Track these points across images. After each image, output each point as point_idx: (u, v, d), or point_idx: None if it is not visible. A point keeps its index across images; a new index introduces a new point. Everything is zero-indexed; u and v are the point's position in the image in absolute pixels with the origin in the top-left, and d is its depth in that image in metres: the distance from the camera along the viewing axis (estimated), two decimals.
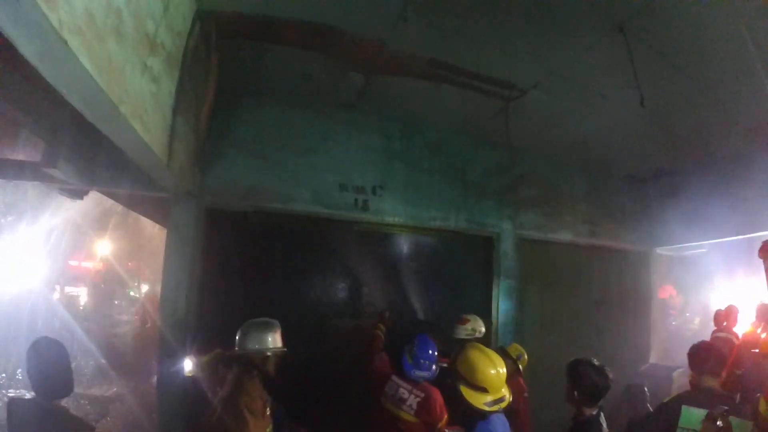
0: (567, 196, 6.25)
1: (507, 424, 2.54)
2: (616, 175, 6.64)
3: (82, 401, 7.28)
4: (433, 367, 3.44)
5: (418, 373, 3.39)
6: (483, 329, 4.25)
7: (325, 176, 4.78)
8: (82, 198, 5.51)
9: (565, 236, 6.15)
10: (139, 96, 2.50)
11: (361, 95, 4.63)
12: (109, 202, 7.14)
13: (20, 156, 5.67)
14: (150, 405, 7.25)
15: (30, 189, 9.03)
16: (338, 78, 4.29)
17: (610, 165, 6.30)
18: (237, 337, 2.76)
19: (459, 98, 4.55)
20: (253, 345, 2.71)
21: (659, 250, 6.90)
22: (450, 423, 3.31)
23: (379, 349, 3.79)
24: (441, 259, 5.43)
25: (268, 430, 2.58)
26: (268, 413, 2.59)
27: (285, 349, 2.77)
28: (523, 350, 4.16)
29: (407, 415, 3.34)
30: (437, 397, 3.33)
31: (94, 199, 6.42)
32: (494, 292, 5.54)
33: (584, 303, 6.23)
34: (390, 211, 5.03)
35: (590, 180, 6.45)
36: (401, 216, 5.08)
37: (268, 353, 2.70)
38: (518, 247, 5.73)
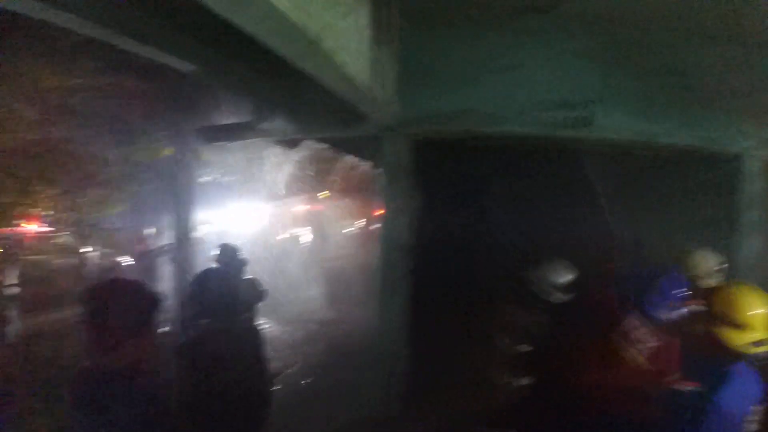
0: None
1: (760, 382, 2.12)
2: None
3: (308, 324, 8.51)
4: (681, 308, 3.01)
5: (664, 313, 2.99)
6: (715, 266, 3.55)
7: (537, 92, 4.27)
8: (295, 147, 6.13)
9: None
10: (337, 31, 2.49)
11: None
12: (321, 147, 7.85)
13: (232, 119, 6.58)
14: (367, 325, 8.17)
15: (246, 147, 9.75)
16: None
17: None
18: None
19: None
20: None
21: None
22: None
23: (615, 283, 3.45)
24: (669, 184, 4.61)
25: None
26: None
27: None
28: None
29: (640, 357, 3.02)
30: (676, 345, 2.93)
31: (306, 146, 7.08)
32: (738, 226, 4.50)
33: None
34: (614, 126, 4.31)
35: None
36: (626, 132, 4.32)
37: None
38: (765, 169, 4.48)
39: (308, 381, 5.76)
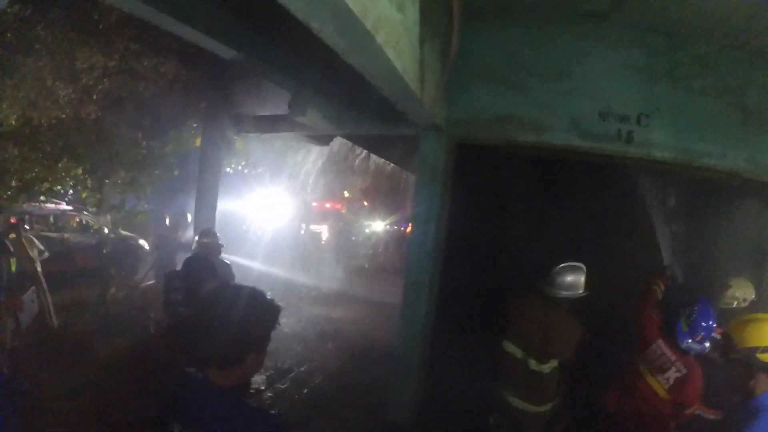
0: None
1: None
2: None
3: (322, 322, 8.44)
4: (708, 341, 2.89)
5: (691, 344, 2.87)
6: (751, 296, 3.52)
7: (583, 102, 4.13)
8: (328, 144, 6.04)
9: None
10: (390, 23, 2.40)
11: (615, 3, 3.87)
12: (349, 146, 7.81)
13: (262, 111, 6.55)
14: (382, 327, 8.09)
15: (277, 141, 9.97)
16: None
17: None
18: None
19: (731, 1, 3.49)
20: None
21: None
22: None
23: (652, 307, 3.31)
24: (712, 207, 4.42)
25: None
26: None
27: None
28: None
29: (660, 388, 2.92)
30: (698, 378, 2.84)
31: (335, 144, 7.05)
32: None
33: None
34: (658, 144, 4.14)
35: None
36: (671, 150, 4.14)
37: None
38: None
39: (318, 381, 5.67)
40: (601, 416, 3.26)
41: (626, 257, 4.30)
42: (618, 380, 3.28)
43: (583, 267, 3.29)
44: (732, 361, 2.14)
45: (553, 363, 3.24)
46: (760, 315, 2.24)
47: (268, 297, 1.60)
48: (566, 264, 3.26)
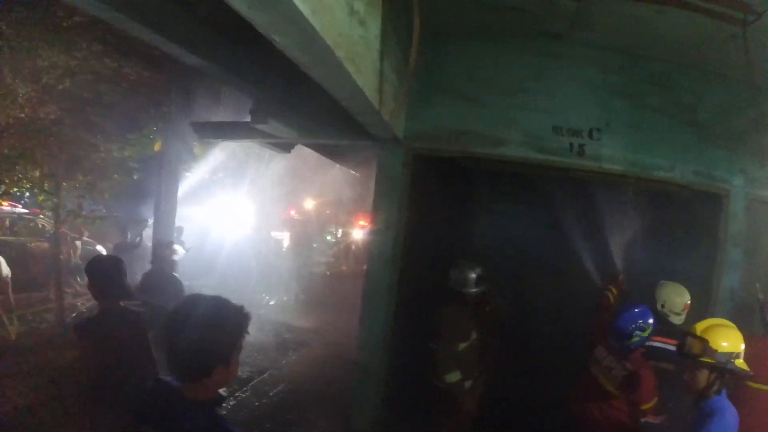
0: None
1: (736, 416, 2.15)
2: None
3: (284, 331, 8.39)
4: (640, 339, 3.06)
5: (628, 343, 3.05)
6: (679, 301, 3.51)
7: (538, 117, 4.30)
8: (289, 151, 6.09)
9: None
10: (350, 39, 2.47)
11: (573, 23, 4.07)
12: (308, 153, 7.83)
13: (223, 118, 6.54)
14: (345, 336, 8.11)
15: (237, 147, 9.75)
16: (548, 6, 3.86)
17: None
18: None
19: (686, 23, 3.72)
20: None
21: None
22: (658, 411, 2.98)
23: (603, 311, 3.49)
24: (660, 217, 4.65)
25: None
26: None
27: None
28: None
29: (611, 387, 3.09)
30: (647, 376, 2.96)
31: (295, 152, 7.08)
32: (716, 263, 4.47)
33: None
34: (609, 157, 4.34)
35: None
36: (621, 163, 4.36)
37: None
38: (750, 209, 4.50)
39: (279, 390, 5.65)
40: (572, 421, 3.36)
41: (583, 264, 4.50)
42: (577, 382, 3.41)
43: (472, 265, 3.74)
44: (699, 365, 2.18)
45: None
46: (725, 321, 2.33)
47: (235, 305, 1.54)
48: (459, 260, 3.78)
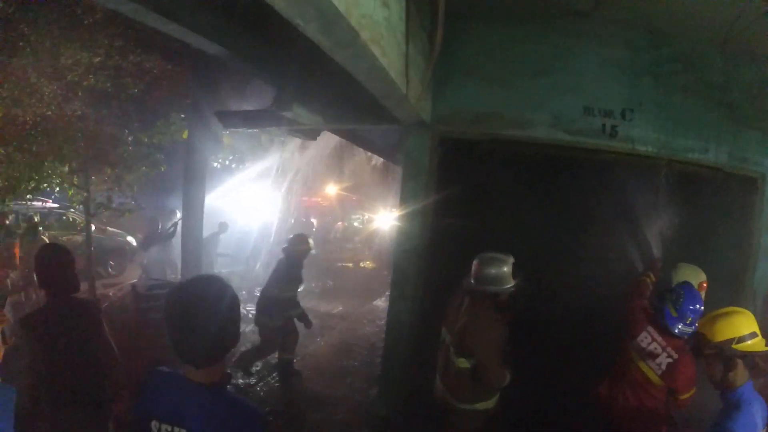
0: None
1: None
2: None
3: (311, 317, 8.44)
4: (696, 324, 2.92)
5: (683, 328, 2.90)
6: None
7: (567, 98, 4.16)
8: (315, 138, 6.03)
9: None
10: (374, 21, 2.40)
11: (598, 1, 3.92)
12: (336, 140, 7.79)
13: (249, 106, 6.52)
14: (369, 322, 8.15)
15: (262, 135, 9.72)
16: None
17: None
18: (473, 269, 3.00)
19: (715, 3, 3.54)
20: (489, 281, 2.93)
21: None
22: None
23: (642, 296, 3.36)
24: (692, 201, 4.45)
25: None
26: None
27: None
28: None
29: (653, 374, 2.95)
30: (690, 364, 2.84)
31: (322, 138, 7.03)
32: (751, 250, 4.33)
33: None
34: (641, 138, 4.18)
35: None
36: (654, 145, 4.20)
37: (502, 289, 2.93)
38: None
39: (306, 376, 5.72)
40: (594, 412, 3.28)
41: (613, 252, 4.35)
42: (610, 369, 3.31)
43: (506, 258, 2.98)
44: (708, 357, 2.18)
45: (464, 362, 2.95)
46: (727, 309, 2.29)
47: (229, 285, 1.49)
48: (487, 254, 3.00)
